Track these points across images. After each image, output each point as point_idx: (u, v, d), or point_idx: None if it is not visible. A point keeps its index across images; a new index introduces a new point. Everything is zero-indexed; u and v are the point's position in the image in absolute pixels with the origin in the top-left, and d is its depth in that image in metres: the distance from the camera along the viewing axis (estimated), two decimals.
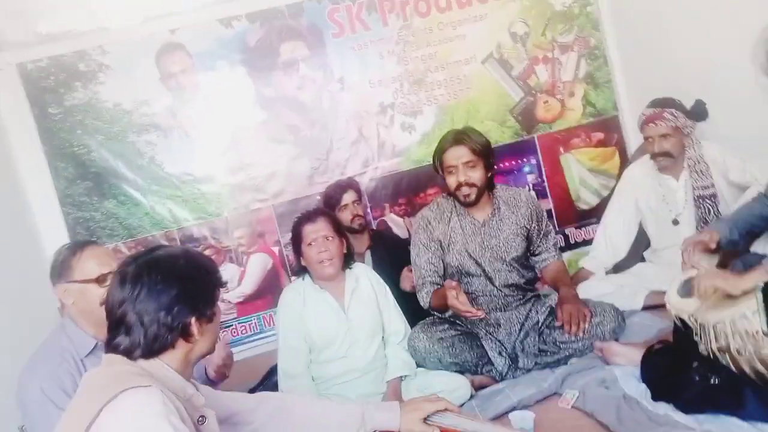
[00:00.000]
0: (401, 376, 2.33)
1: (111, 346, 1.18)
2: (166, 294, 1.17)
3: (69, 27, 3.11)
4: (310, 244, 2.25)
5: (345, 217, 2.97)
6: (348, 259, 2.37)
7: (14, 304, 2.56)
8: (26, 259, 2.79)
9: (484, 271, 2.49)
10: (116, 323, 1.18)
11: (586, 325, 2.34)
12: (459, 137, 2.42)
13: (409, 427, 1.46)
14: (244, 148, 3.34)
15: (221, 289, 1.31)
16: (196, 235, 3.31)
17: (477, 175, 2.41)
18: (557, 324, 2.39)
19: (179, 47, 3.25)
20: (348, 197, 2.96)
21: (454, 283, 2.24)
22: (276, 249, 3.37)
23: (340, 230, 2.36)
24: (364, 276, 2.42)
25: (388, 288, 2.48)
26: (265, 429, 1.47)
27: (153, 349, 1.17)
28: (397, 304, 2.47)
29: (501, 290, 2.50)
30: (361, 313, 2.32)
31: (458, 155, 2.40)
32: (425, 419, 1.46)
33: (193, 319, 1.19)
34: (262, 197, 3.37)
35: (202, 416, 1.21)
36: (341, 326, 2.29)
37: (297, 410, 1.51)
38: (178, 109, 3.27)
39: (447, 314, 2.44)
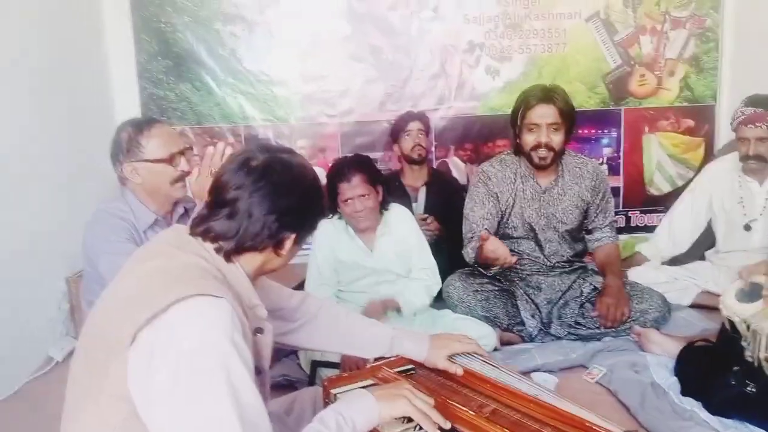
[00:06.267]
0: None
1: (199, 225, 1.13)
2: (286, 200, 1.11)
3: None
4: (345, 201, 2.19)
5: (407, 144, 2.94)
6: (384, 203, 2.30)
7: (83, 168, 2.66)
8: (98, 125, 2.83)
9: (536, 237, 2.44)
10: (221, 203, 1.12)
11: (620, 326, 2.28)
12: (548, 95, 2.28)
13: (432, 360, 1.46)
14: (323, 59, 3.30)
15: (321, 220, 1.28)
16: (260, 136, 3.33)
17: (558, 139, 2.30)
18: (593, 314, 2.33)
19: None
20: (414, 125, 2.96)
21: (485, 233, 2.17)
22: None
23: (376, 180, 2.25)
24: (396, 220, 2.34)
25: (420, 230, 2.41)
26: (301, 331, 1.49)
27: (243, 245, 1.12)
28: (427, 246, 2.39)
29: (548, 258, 2.45)
30: (390, 257, 2.30)
31: (544, 114, 2.27)
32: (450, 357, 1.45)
33: (293, 236, 1.15)
34: (331, 113, 3.35)
35: (260, 328, 1.18)
36: (368, 269, 2.29)
37: (329, 320, 1.51)
38: (267, 6, 3.23)
39: (491, 271, 2.36)
